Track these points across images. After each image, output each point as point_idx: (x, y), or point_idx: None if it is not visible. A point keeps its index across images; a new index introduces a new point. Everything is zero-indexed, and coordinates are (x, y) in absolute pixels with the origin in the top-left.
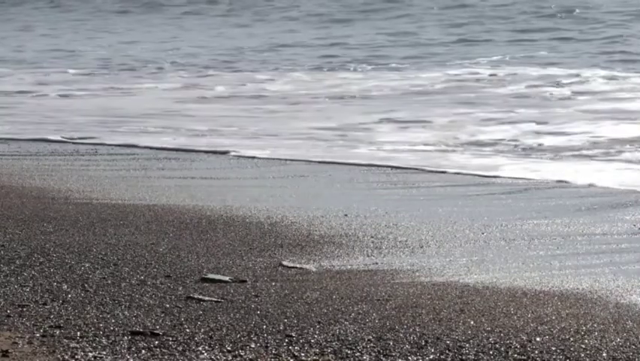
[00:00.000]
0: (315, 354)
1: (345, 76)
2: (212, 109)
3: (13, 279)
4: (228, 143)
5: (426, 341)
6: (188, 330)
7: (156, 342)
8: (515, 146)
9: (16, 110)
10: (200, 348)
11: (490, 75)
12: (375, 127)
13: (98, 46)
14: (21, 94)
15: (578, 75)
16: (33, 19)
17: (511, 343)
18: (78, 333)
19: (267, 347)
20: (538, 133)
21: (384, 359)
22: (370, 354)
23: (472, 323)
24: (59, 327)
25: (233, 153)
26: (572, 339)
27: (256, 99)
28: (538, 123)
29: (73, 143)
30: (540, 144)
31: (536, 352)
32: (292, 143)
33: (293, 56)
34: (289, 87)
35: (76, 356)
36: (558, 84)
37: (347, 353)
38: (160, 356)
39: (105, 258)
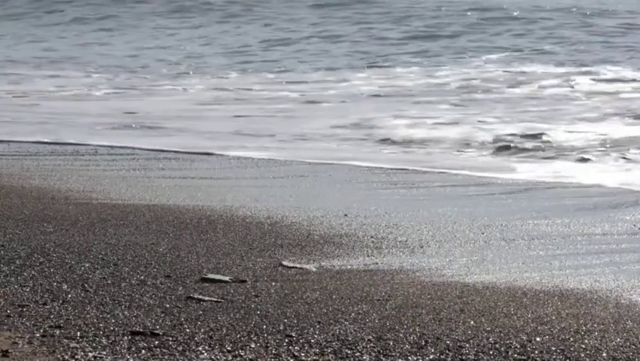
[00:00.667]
0: (315, 354)
1: (354, 75)
2: (228, 110)
3: (13, 279)
4: (235, 144)
5: (426, 341)
6: (188, 330)
7: (156, 342)
8: (516, 145)
9: (31, 111)
10: (200, 348)
11: (493, 73)
12: (380, 127)
13: (113, 46)
14: (38, 95)
15: (579, 73)
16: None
17: (511, 343)
18: (78, 333)
19: (267, 347)
20: (538, 132)
21: (384, 359)
22: (370, 354)
23: (472, 323)
24: (59, 327)
25: (233, 154)
26: (572, 339)
27: (268, 100)
28: (539, 122)
29: (74, 144)
30: (541, 144)
31: (536, 352)
32: (294, 144)
33: (302, 53)
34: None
35: (76, 356)
36: (560, 83)
37: (347, 353)
38: (160, 356)
39: (105, 258)
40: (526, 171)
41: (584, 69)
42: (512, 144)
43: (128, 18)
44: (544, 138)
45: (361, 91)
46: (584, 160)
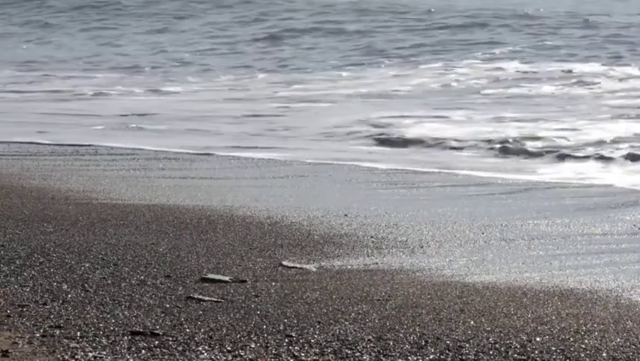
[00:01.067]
0: (315, 354)
1: (361, 73)
2: (235, 110)
3: (13, 279)
4: (238, 145)
5: (426, 341)
6: (188, 330)
7: (156, 342)
8: (515, 145)
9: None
10: (200, 348)
11: (500, 72)
12: (385, 126)
13: (125, 44)
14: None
15: (585, 72)
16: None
17: (511, 343)
18: (78, 333)
19: (267, 347)
20: (538, 133)
21: (384, 359)
22: (370, 354)
23: (472, 323)
24: (59, 327)
25: (234, 154)
26: (572, 339)
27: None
28: (538, 122)
29: (74, 145)
30: (540, 144)
31: (536, 352)
32: (294, 145)
33: (308, 50)
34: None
35: (76, 356)
36: (567, 82)
37: (347, 353)
38: (160, 356)
39: (105, 258)
40: (526, 171)
41: (589, 68)
42: (512, 144)
43: (132, 6)
44: (544, 138)
45: (368, 89)
46: (583, 160)
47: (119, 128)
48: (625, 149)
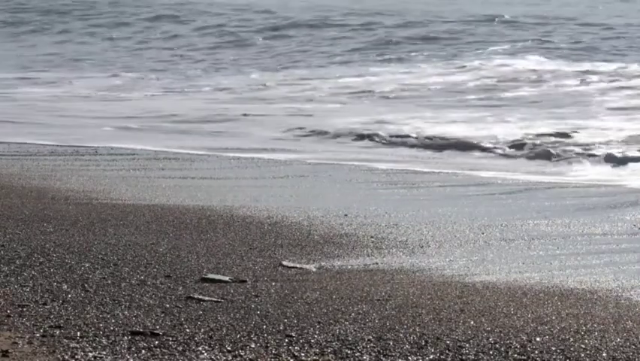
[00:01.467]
0: (315, 354)
1: (368, 70)
2: (238, 110)
3: (13, 279)
4: (239, 145)
5: (426, 341)
6: (188, 330)
7: (156, 342)
8: (517, 145)
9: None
10: (200, 348)
11: (495, 69)
12: (387, 127)
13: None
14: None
15: (584, 70)
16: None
17: (511, 343)
18: (78, 333)
19: (267, 347)
20: (537, 132)
21: (384, 359)
22: (370, 354)
23: (472, 323)
24: (59, 327)
25: (233, 154)
26: (572, 339)
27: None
28: (541, 121)
29: (74, 145)
30: (540, 144)
31: (536, 352)
32: (297, 146)
33: (310, 46)
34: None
35: (76, 356)
36: (575, 81)
37: (347, 353)
38: (160, 356)
39: (105, 258)
40: (526, 171)
41: (595, 67)
42: (511, 145)
43: None
44: (543, 138)
45: (372, 89)
46: (583, 160)
47: (122, 129)
48: (626, 149)
